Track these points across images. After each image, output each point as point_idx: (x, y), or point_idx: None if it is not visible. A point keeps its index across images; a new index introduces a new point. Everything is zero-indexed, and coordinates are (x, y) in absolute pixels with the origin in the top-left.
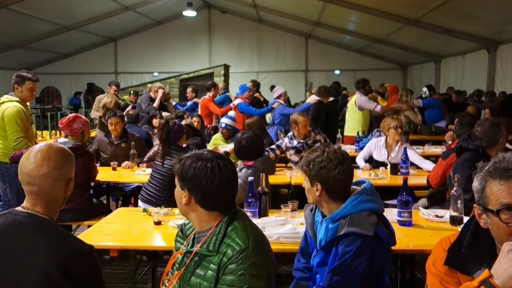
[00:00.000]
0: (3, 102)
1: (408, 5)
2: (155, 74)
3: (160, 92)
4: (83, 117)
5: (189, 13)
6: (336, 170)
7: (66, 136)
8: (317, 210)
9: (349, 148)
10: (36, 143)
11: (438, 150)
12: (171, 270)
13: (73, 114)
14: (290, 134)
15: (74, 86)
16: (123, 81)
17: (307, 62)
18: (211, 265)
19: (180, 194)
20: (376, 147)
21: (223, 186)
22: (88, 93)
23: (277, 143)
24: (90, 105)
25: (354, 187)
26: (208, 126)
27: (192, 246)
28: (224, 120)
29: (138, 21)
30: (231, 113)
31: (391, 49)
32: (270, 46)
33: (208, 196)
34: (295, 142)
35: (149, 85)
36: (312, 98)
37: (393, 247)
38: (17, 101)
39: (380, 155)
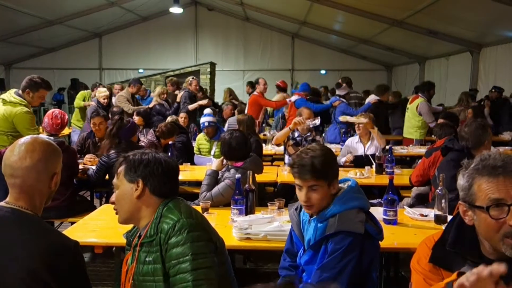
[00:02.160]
0: (12, 103)
1: (394, 7)
2: (141, 70)
3: (202, 102)
4: (64, 112)
5: (176, 10)
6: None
7: (50, 134)
8: (302, 209)
9: (335, 148)
10: None
11: (422, 150)
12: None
13: (59, 112)
14: None
15: (58, 82)
16: (107, 77)
17: (293, 61)
18: (156, 247)
19: (129, 190)
20: (351, 145)
21: (174, 171)
22: (71, 88)
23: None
24: (73, 101)
25: (340, 185)
26: (193, 125)
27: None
28: (205, 119)
29: (123, 17)
30: (207, 110)
31: (377, 49)
32: (257, 44)
33: (164, 181)
34: (296, 134)
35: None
36: (372, 98)
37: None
38: (26, 105)
39: (358, 151)
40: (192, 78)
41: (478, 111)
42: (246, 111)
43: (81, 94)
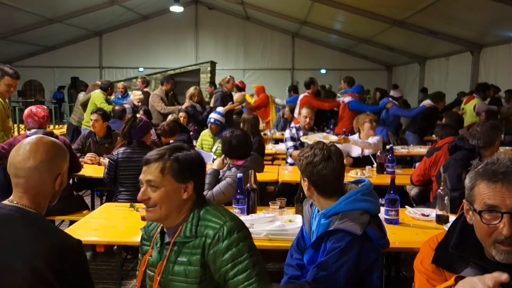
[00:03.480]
0: None
1: (394, 7)
2: (141, 69)
3: (232, 107)
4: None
5: (176, 8)
6: (320, 166)
7: (29, 129)
8: (314, 205)
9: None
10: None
11: (423, 150)
12: (149, 276)
13: (36, 107)
14: (298, 125)
15: (58, 80)
16: (107, 75)
17: (293, 61)
18: (193, 249)
19: (177, 190)
20: (348, 144)
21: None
22: (71, 87)
23: (290, 135)
24: (73, 99)
25: (353, 185)
26: (191, 124)
27: (162, 243)
28: (213, 116)
29: (124, 16)
30: (220, 108)
31: (377, 49)
32: (257, 44)
33: (204, 180)
34: (301, 133)
35: (220, 80)
36: (427, 102)
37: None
38: None
39: (356, 151)
40: (230, 76)
41: (491, 114)
42: (298, 112)
43: (99, 96)
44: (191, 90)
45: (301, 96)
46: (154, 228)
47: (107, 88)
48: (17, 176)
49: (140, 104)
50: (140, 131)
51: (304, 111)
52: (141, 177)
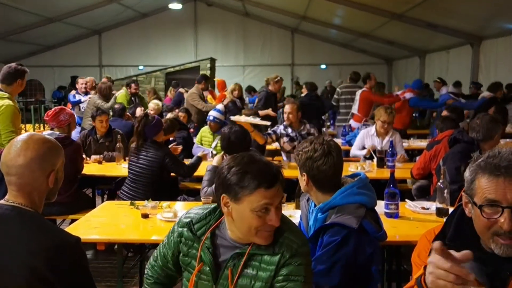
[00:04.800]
0: None
1: (393, 0)
2: (140, 67)
3: (271, 113)
4: (69, 109)
5: (175, 5)
6: (320, 161)
7: (52, 129)
8: (310, 199)
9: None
10: None
11: (423, 143)
12: (201, 284)
13: (59, 107)
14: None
15: (58, 79)
16: (107, 74)
17: (293, 56)
18: (264, 264)
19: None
20: (367, 136)
21: None
22: (72, 86)
23: (273, 129)
24: None
25: (348, 179)
26: (193, 120)
27: (213, 247)
28: (213, 113)
29: (123, 14)
30: (220, 106)
31: (377, 43)
32: (256, 40)
33: None
34: (289, 130)
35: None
36: (487, 94)
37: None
38: (8, 98)
39: (374, 144)
40: (280, 77)
41: (500, 109)
42: (357, 108)
43: (123, 96)
44: (232, 85)
45: (360, 92)
46: (203, 227)
47: (129, 85)
48: (9, 174)
49: (154, 113)
50: (154, 129)
51: (287, 107)
52: (271, 201)
